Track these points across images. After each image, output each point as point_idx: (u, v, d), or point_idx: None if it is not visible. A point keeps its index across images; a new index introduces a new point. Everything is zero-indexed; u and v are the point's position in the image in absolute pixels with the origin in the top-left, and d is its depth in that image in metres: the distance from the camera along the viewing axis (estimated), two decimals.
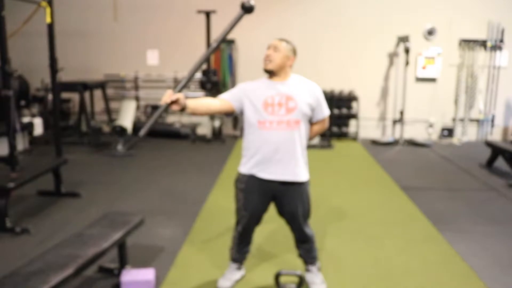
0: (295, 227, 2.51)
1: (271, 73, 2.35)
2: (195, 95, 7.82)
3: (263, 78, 2.41)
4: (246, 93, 2.33)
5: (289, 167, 2.31)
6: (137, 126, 7.19)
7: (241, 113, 2.37)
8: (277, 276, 2.32)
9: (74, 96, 7.42)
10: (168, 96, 2.09)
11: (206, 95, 7.14)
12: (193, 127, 7.57)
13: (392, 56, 7.62)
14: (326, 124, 2.51)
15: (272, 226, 3.43)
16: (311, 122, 2.43)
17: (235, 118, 7.18)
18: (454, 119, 7.70)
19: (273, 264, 2.95)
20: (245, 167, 2.39)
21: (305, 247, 2.58)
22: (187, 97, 2.20)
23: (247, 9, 2.20)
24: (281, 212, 2.48)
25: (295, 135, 2.30)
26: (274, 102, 2.28)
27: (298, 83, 2.37)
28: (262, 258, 3.06)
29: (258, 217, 2.49)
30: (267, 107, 2.27)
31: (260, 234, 3.08)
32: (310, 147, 6.80)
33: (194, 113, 2.25)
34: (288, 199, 2.40)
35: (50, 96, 6.77)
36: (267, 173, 2.33)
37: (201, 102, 2.30)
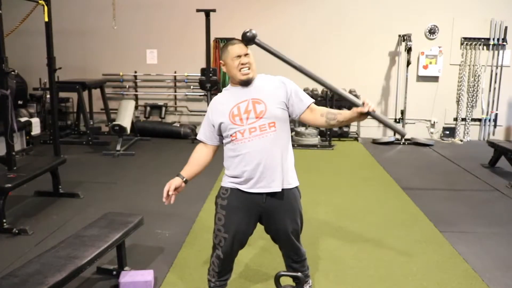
0: (288, 247, 2.26)
1: (244, 85, 2.09)
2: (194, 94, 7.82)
3: (228, 87, 2.17)
4: (214, 116, 2.12)
5: (274, 176, 2.06)
6: (135, 126, 7.17)
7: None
8: (277, 278, 2.27)
9: (73, 96, 7.39)
10: (165, 192, 2.10)
11: (205, 95, 7.12)
12: (193, 127, 7.54)
13: (394, 55, 7.58)
14: (322, 112, 2.13)
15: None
16: (299, 118, 2.16)
17: None
18: (456, 119, 7.67)
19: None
20: (227, 181, 2.15)
21: (297, 266, 2.33)
22: (178, 175, 2.16)
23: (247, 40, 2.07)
24: (271, 230, 2.21)
25: (273, 139, 2.06)
26: (240, 111, 2.05)
27: (263, 80, 2.14)
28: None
29: (241, 239, 2.17)
30: (234, 118, 2.05)
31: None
32: (310, 146, 6.83)
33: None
34: (279, 214, 2.14)
35: (48, 96, 6.73)
36: (251, 187, 2.08)
37: (194, 164, 2.19)
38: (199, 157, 2.21)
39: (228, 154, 2.14)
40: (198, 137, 2.23)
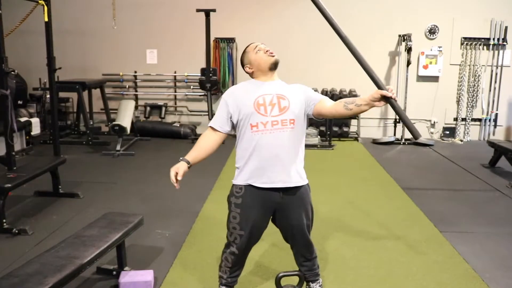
0: (301, 243, 2.26)
1: (273, 68, 2.18)
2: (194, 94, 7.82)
3: (249, 80, 2.24)
4: (235, 101, 2.14)
5: (289, 171, 2.11)
6: (135, 126, 7.17)
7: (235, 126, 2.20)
8: (278, 279, 2.26)
9: (73, 96, 7.39)
10: (174, 177, 2.14)
11: (205, 95, 7.12)
12: (193, 127, 7.53)
13: (394, 55, 7.58)
14: (340, 100, 2.15)
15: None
16: (314, 115, 2.19)
17: None
18: (456, 119, 7.67)
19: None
20: (240, 178, 2.15)
21: (309, 264, 2.34)
22: (182, 160, 2.18)
23: None
24: (285, 227, 2.23)
25: (291, 136, 2.11)
26: (265, 102, 2.10)
27: (285, 84, 2.24)
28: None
29: (258, 235, 2.22)
30: (259, 107, 2.09)
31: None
32: (310, 146, 6.82)
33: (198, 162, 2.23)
34: (293, 209, 2.17)
35: (48, 96, 6.73)
36: (266, 182, 2.10)
37: (199, 150, 2.20)
38: (206, 143, 2.21)
39: (244, 146, 2.14)
40: (210, 124, 2.22)
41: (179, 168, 2.13)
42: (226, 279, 2.32)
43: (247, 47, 2.25)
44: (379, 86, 2.06)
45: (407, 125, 2.07)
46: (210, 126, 2.22)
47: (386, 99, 2.01)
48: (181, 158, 2.19)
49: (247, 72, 2.25)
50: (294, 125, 2.12)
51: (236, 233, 2.18)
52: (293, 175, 2.13)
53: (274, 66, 2.19)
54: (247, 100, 2.12)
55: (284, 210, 2.17)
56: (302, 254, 2.32)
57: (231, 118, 2.16)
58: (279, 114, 2.09)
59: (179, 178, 2.13)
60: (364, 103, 2.06)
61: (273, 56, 2.18)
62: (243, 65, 2.26)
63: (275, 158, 2.08)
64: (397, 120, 7.42)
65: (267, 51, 2.18)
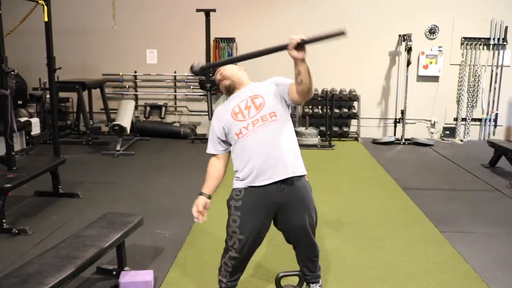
0: (306, 244, 2.24)
1: (232, 89, 2.25)
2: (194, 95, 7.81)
3: (228, 98, 2.31)
4: (218, 122, 2.22)
5: (283, 161, 2.08)
6: (135, 126, 7.17)
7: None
8: (278, 280, 2.26)
9: (73, 96, 7.39)
10: (195, 212, 2.26)
11: (205, 95, 7.11)
12: (193, 127, 7.53)
13: (394, 55, 7.58)
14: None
15: None
16: (291, 101, 2.13)
17: None
18: (456, 119, 7.66)
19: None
20: (239, 182, 2.15)
21: (311, 265, 2.31)
22: (200, 194, 2.29)
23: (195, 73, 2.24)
24: (288, 228, 2.19)
25: (276, 128, 2.10)
26: (241, 108, 2.15)
27: (258, 84, 2.27)
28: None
29: (258, 239, 2.17)
30: (237, 116, 2.14)
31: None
32: (310, 146, 6.82)
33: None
34: (295, 210, 2.13)
35: (48, 96, 6.73)
36: (264, 179, 2.08)
37: (212, 179, 2.30)
38: (213, 170, 2.29)
39: (236, 153, 2.17)
40: (207, 151, 2.30)
41: (198, 204, 2.25)
42: (226, 283, 2.28)
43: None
44: (283, 48, 1.88)
45: (327, 36, 1.83)
46: (209, 153, 2.31)
47: (299, 46, 1.84)
48: (200, 192, 2.30)
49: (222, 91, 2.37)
50: (276, 117, 2.12)
51: (235, 237, 2.15)
52: (288, 164, 2.09)
53: (226, 91, 2.28)
54: (226, 116, 2.18)
55: (285, 210, 2.13)
56: (306, 255, 2.29)
57: (219, 138, 2.22)
58: (257, 113, 2.12)
59: (200, 209, 2.24)
60: (296, 66, 1.94)
61: (224, 85, 2.26)
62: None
63: (265, 154, 2.07)
64: (397, 120, 7.42)
65: (219, 81, 2.29)
